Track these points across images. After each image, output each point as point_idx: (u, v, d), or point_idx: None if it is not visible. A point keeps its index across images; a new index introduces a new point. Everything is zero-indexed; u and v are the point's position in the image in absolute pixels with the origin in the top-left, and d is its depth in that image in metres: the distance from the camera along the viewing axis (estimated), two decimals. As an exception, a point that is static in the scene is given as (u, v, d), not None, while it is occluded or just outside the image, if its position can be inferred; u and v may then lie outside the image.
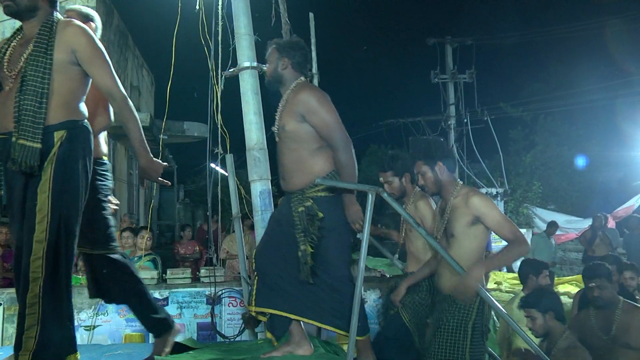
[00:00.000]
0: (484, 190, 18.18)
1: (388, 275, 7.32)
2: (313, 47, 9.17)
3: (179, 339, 5.61)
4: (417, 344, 4.35)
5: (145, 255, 7.08)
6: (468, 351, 3.75)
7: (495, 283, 15.11)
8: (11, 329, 6.07)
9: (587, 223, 15.43)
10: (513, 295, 13.08)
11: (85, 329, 6.22)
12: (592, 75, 23.68)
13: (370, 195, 3.71)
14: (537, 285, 5.47)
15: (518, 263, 13.93)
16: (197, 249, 9.33)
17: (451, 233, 3.85)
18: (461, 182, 4.03)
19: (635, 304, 4.76)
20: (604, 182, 22.63)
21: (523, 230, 17.19)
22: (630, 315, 4.55)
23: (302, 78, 3.86)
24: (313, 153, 3.68)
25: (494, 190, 18.38)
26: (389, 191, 4.42)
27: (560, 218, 16.29)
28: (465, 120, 21.01)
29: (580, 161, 23.57)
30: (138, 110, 12.96)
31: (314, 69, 9.43)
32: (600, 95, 21.69)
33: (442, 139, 4.26)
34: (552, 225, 13.33)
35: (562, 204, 22.42)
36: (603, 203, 18.77)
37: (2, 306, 6.04)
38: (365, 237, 3.66)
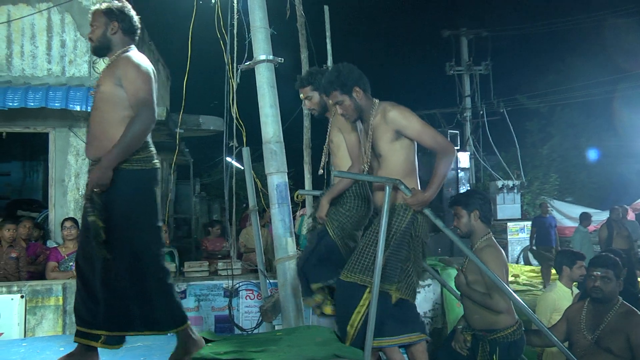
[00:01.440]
0: (500, 183, 18.11)
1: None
2: (328, 40, 9.16)
3: (197, 331, 5.65)
4: (344, 256, 4.24)
5: (162, 249, 7.12)
6: (387, 249, 3.73)
7: (512, 276, 15.08)
8: (33, 321, 6.14)
9: (605, 215, 15.29)
10: (531, 287, 13.01)
11: (104, 322, 6.27)
12: (610, 66, 23.44)
13: (387, 187, 3.70)
14: (572, 277, 5.43)
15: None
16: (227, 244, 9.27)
17: (379, 153, 3.83)
18: (378, 100, 3.92)
19: (634, 308, 4.41)
20: (622, 173, 22.42)
21: (541, 223, 17.13)
22: (623, 318, 4.23)
23: (133, 46, 3.68)
24: (118, 121, 3.46)
25: (510, 183, 18.28)
26: (309, 107, 4.35)
27: (578, 210, 16.15)
28: (481, 113, 20.91)
29: (598, 153, 23.37)
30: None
31: (329, 62, 9.41)
32: (618, 85, 21.49)
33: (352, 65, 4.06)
34: (587, 218, 13.15)
35: (579, 196, 22.26)
36: (622, 194, 18.61)
37: (24, 298, 6.10)
38: (382, 230, 3.65)
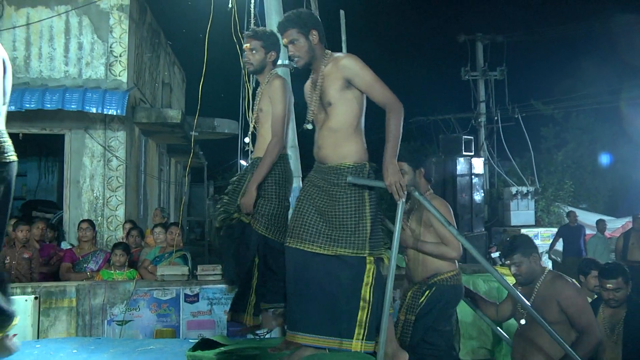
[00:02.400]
0: (514, 189, 18.02)
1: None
2: (344, 45, 9.15)
3: (209, 335, 5.67)
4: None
5: (175, 252, 7.15)
6: (369, 225, 3.60)
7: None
8: (47, 322, 6.18)
9: (620, 223, 15.18)
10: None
11: (117, 324, 6.31)
12: (625, 72, 23.31)
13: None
14: (587, 286, 5.38)
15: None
16: None
17: (328, 102, 3.69)
18: (330, 51, 3.83)
19: (561, 274, 4.41)
20: (638, 180, 22.24)
21: (554, 230, 17.03)
22: (550, 285, 4.24)
23: None
24: None
25: (524, 189, 18.20)
26: (248, 59, 4.25)
27: (593, 217, 16.04)
28: (496, 118, 20.85)
29: (613, 159, 23.22)
30: (169, 106, 13.08)
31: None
32: (634, 92, 21.35)
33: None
34: (601, 222, 13.03)
35: (594, 203, 22.13)
36: (637, 202, 18.47)
37: (38, 299, 6.14)
38: (396, 236, 3.65)
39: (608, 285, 4.60)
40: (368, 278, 3.57)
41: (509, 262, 4.39)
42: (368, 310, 3.54)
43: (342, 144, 3.68)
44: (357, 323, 3.53)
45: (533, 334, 4.23)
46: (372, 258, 3.58)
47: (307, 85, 3.95)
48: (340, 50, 9.43)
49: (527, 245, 4.43)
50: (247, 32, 4.38)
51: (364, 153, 3.72)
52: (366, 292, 3.55)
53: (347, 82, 3.63)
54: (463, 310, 6.64)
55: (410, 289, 4.54)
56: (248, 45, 4.26)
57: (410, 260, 4.58)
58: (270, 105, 4.14)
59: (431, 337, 4.35)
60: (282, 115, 4.09)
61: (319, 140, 3.82)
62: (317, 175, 3.79)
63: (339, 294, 3.57)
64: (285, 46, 3.89)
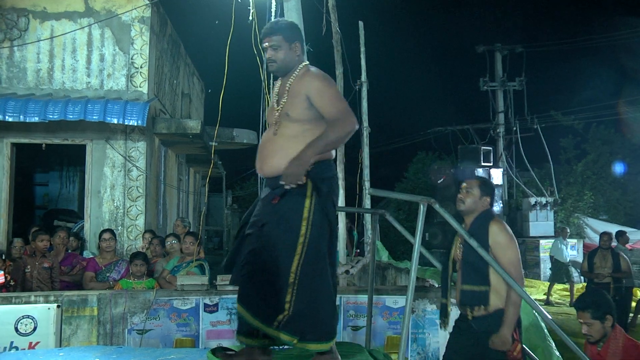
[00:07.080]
0: (533, 200, 17.89)
1: (437, 285, 7.27)
2: (362, 55, 9.20)
3: (228, 344, 5.68)
4: None
5: (195, 261, 7.19)
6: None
7: (544, 295, 14.90)
8: (69, 331, 6.23)
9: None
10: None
11: (137, 333, 6.35)
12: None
13: (421, 206, 3.72)
14: None
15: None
16: None
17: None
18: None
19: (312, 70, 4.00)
20: (659, 191, 22.05)
21: (573, 241, 16.91)
22: (300, 81, 3.82)
23: None
24: None
25: (544, 200, 18.09)
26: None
27: (613, 228, 15.91)
28: (515, 129, 20.77)
29: (634, 170, 23.02)
30: (188, 117, 13.02)
31: (363, 77, 9.46)
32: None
33: None
34: (623, 234, 12.98)
35: (614, 214, 21.94)
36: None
37: (60, 308, 6.20)
38: (416, 247, 3.67)
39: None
40: None
41: None
42: None
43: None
44: None
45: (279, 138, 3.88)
46: None
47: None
48: (359, 63, 9.48)
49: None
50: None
51: None
52: None
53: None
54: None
55: None
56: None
57: None
58: None
59: None
60: None
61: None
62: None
63: None
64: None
